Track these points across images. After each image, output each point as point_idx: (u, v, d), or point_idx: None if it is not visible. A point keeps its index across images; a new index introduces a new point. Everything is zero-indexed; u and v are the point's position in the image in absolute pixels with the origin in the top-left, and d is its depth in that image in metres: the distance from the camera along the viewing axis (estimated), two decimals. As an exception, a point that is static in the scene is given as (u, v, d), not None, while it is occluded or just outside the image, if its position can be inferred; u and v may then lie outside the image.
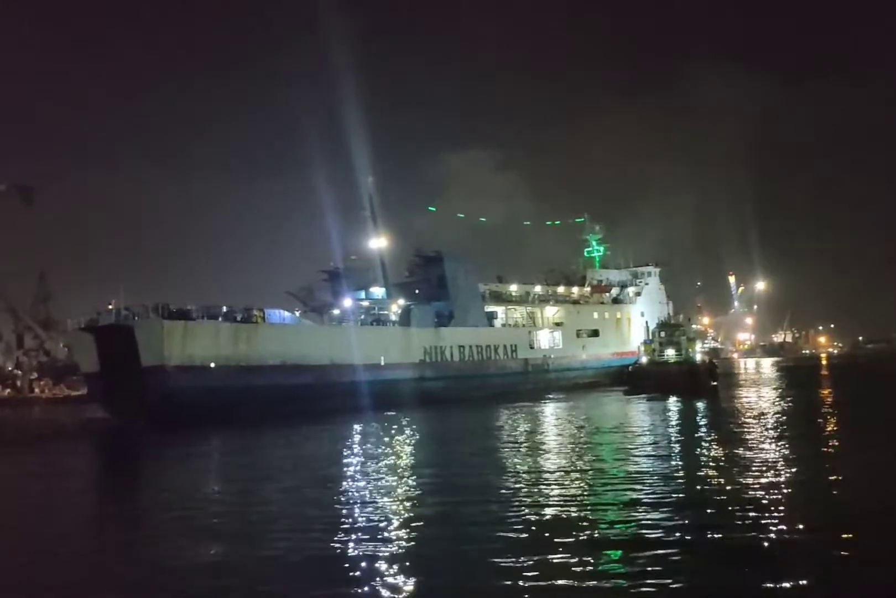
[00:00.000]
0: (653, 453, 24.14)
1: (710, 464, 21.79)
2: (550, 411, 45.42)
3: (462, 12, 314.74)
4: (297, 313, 56.86)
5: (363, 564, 12.41)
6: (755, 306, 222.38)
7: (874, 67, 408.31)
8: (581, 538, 13.49)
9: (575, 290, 77.84)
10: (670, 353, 56.92)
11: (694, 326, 78.52)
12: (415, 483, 20.06)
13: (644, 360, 58.48)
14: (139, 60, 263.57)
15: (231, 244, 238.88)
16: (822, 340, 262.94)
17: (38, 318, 72.97)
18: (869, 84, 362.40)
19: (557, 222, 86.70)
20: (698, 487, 18.02)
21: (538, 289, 73.35)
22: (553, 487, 18.49)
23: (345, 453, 27.17)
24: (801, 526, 13.83)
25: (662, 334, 58.76)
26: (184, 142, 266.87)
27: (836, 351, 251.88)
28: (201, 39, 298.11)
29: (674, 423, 35.55)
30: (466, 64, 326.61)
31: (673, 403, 45.98)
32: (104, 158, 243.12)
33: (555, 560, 12.22)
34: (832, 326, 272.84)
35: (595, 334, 74.90)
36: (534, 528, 14.31)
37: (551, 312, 71.90)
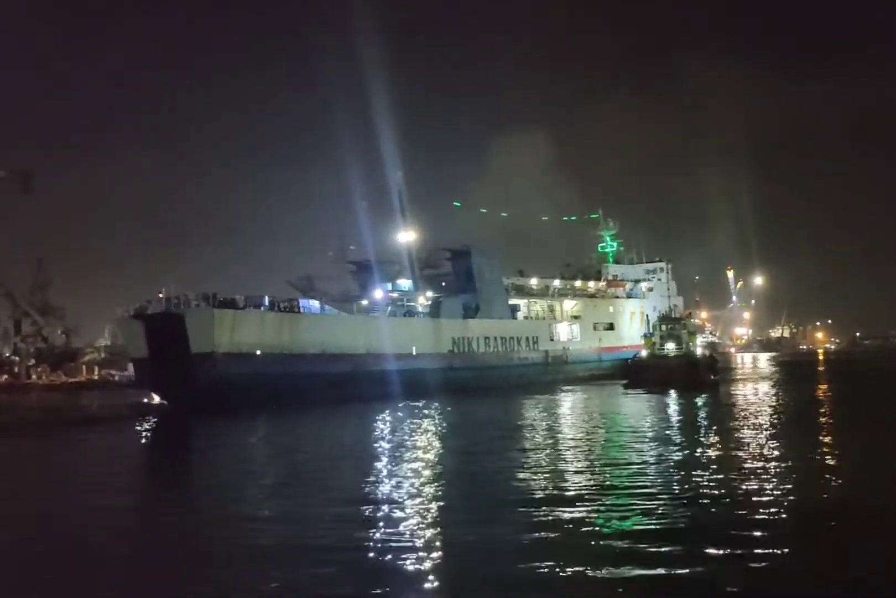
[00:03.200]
0: (655, 446, 24.76)
1: (713, 460, 22.12)
2: (565, 402, 46.75)
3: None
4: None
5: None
6: (753, 301, 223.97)
7: (877, 68, 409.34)
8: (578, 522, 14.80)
9: (591, 284, 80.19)
10: (671, 346, 57.01)
11: (693, 320, 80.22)
12: (441, 461, 23.04)
13: (644, 353, 58.37)
14: (143, 48, 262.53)
15: (231, 235, 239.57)
16: (820, 335, 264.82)
17: (35, 304, 73.64)
18: (872, 85, 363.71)
19: (574, 218, 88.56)
20: (699, 481, 18.61)
21: (557, 283, 75.65)
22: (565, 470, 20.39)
23: (395, 436, 29.76)
24: (797, 522, 14.22)
25: (663, 327, 59.00)
26: (187, 131, 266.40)
27: (833, 347, 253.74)
28: (217, 20, 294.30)
29: (675, 418, 35.51)
30: (475, 56, 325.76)
31: (673, 397, 45.80)
32: (106, 147, 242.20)
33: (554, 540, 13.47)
34: (829, 321, 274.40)
35: (611, 327, 77.37)
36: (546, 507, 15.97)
37: (569, 305, 74.20)
